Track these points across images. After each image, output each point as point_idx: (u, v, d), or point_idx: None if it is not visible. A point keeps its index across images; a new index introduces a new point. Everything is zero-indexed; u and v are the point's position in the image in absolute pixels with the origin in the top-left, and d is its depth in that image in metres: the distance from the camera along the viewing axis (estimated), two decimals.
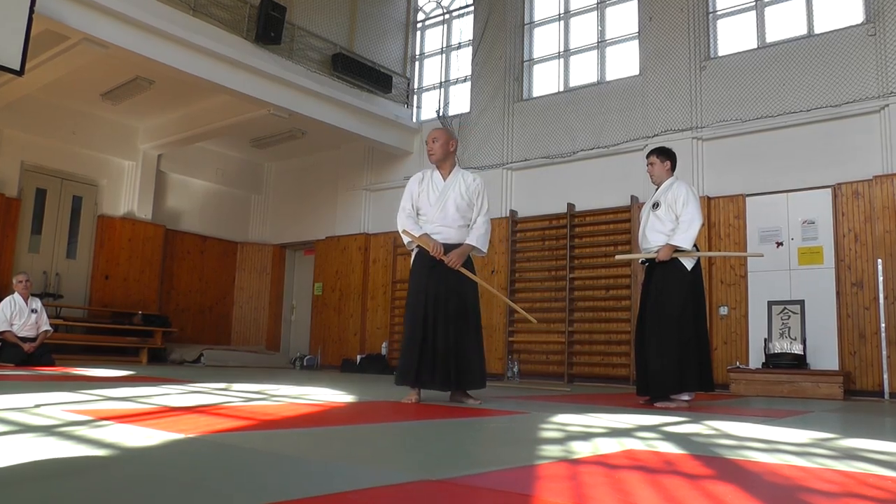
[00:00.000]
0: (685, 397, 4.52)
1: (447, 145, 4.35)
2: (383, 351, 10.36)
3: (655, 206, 4.74)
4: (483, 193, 4.37)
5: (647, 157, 4.90)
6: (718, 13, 8.53)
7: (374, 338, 10.72)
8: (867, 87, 7.22)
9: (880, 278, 6.78)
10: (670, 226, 4.65)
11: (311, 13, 10.11)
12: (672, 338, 4.48)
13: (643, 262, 4.91)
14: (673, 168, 4.83)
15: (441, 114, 10.41)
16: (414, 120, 11.16)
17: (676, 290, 4.56)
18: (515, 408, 4.13)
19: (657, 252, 4.64)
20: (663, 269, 4.64)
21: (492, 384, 7.56)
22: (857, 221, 7.11)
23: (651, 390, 4.55)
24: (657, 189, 4.85)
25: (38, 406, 3.02)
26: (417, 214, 4.35)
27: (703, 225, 4.65)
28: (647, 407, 4.43)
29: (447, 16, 11.38)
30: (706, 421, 3.58)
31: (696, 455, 2.27)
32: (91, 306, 10.28)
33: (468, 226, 4.31)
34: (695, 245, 4.67)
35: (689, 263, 4.61)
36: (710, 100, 8.18)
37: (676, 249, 4.58)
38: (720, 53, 8.43)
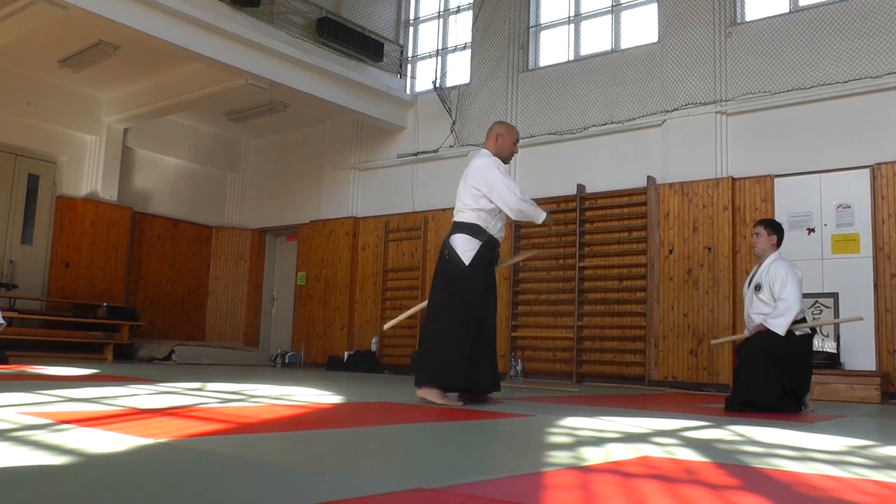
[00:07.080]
0: None
1: None
2: (373, 347, 10.37)
3: (758, 288, 5.07)
4: None
5: (755, 226, 5.30)
6: None
7: (363, 333, 10.73)
8: None
9: None
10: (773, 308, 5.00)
11: None
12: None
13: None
14: (779, 244, 5.17)
15: (438, 85, 10.36)
16: (408, 91, 11.10)
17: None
18: (520, 410, 4.15)
19: (751, 334, 5.07)
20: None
21: None
22: None
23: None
24: (759, 264, 5.20)
25: None
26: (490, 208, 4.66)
27: (800, 311, 4.96)
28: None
29: None
30: (730, 426, 3.60)
31: (718, 463, 2.28)
32: (49, 297, 10.26)
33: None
34: (803, 317, 5.05)
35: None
36: (735, 70, 8.15)
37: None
38: (747, 18, 8.38)
